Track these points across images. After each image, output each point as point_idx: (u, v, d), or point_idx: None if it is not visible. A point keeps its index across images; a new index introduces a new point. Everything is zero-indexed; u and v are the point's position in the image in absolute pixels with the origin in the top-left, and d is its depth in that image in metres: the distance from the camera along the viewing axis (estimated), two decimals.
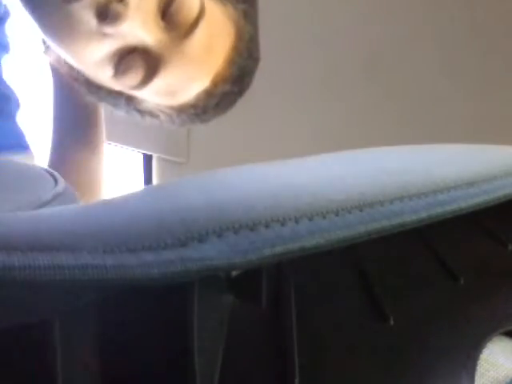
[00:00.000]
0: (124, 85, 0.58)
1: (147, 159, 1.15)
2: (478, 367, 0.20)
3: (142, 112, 0.64)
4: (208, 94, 0.60)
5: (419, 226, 0.17)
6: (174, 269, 0.13)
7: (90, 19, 0.52)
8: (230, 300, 0.21)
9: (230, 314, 0.21)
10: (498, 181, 0.19)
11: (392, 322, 0.21)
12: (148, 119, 0.65)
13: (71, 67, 0.61)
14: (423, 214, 0.16)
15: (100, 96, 0.63)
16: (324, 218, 0.15)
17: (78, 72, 0.61)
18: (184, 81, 0.58)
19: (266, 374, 0.20)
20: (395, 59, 0.89)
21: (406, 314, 0.22)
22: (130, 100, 0.62)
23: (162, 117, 0.64)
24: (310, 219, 0.15)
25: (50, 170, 0.36)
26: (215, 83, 0.59)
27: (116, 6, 0.51)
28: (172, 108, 0.62)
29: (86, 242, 0.14)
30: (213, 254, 0.14)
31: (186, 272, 0.14)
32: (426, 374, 0.19)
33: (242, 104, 0.66)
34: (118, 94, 0.62)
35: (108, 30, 0.52)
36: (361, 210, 0.16)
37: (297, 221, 0.15)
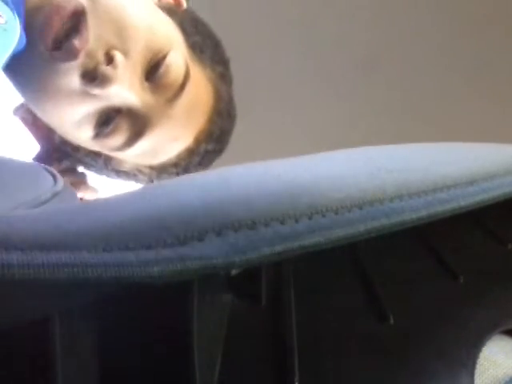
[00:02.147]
0: (105, 146, 0.56)
1: None
2: (477, 366, 0.20)
3: (119, 172, 0.62)
4: (191, 152, 0.59)
5: (419, 225, 0.17)
6: (174, 267, 0.13)
7: (74, 78, 0.51)
8: (229, 299, 0.21)
9: (230, 313, 0.21)
10: (497, 179, 0.19)
11: (392, 322, 0.21)
12: (124, 179, 0.63)
13: (45, 128, 0.59)
14: (423, 213, 0.16)
15: (76, 158, 0.61)
16: (324, 216, 0.15)
17: (53, 133, 0.59)
18: (168, 141, 0.57)
19: (266, 373, 0.20)
20: (392, 59, 0.89)
21: (406, 313, 0.22)
22: (108, 160, 0.60)
23: (140, 176, 0.62)
24: (310, 218, 0.15)
25: (49, 168, 0.36)
26: (198, 142, 0.59)
27: (105, 69, 0.50)
28: (152, 168, 0.61)
29: (85, 241, 0.14)
30: (212, 252, 0.14)
31: (186, 271, 0.14)
32: (426, 373, 0.19)
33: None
34: (97, 155, 0.60)
35: (95, 91, 0.51)
36: (360, 209, 0.16)
37: (296, 219, 0.15)
